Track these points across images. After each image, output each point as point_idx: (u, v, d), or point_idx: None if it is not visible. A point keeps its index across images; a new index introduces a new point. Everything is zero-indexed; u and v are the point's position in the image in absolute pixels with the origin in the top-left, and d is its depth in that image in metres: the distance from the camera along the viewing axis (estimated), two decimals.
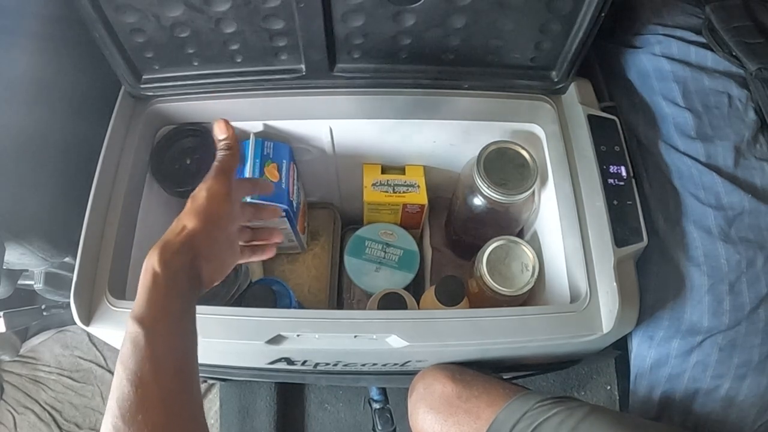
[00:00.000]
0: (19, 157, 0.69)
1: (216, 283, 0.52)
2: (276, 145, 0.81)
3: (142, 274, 0.46)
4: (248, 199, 0.75)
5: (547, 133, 0.77)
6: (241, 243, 0.58)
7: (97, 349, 1.23)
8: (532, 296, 0.79)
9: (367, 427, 1.09)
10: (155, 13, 0.63)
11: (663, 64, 0.75)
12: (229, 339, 0.63)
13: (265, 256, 0.61)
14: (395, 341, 0.63)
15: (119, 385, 0.42)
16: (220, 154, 0.53)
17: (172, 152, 0.77)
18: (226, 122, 0.54)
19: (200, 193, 0.51)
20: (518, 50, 0.70)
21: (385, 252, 0.93)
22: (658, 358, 0.70)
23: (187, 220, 0.49)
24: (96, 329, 0.63)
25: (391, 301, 0.78)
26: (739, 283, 0.66)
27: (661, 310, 0.70)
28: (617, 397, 1.09)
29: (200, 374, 0.99)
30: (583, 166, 0.71)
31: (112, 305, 0.63)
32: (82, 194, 0.68)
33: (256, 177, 0.77)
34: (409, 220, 0.95)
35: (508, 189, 0.73)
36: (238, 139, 0.80)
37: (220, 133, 0.54)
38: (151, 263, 0.46)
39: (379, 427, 1.03)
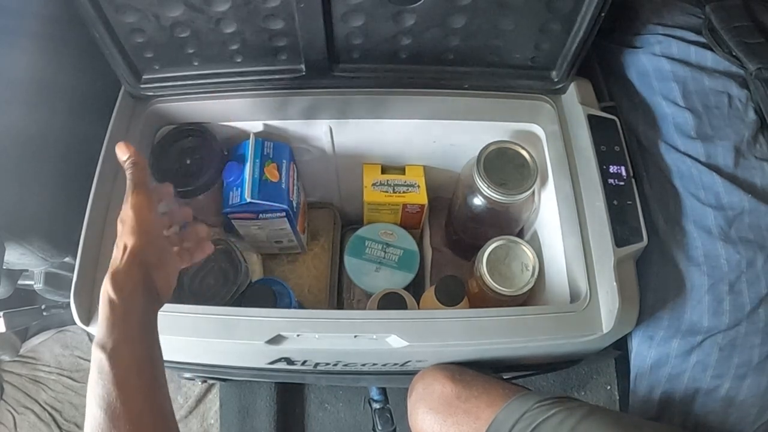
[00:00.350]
0: (19, 157, 0.69)
1: (170, 293, 0.53)
2: (276, 145, 0.81)
3: (100, 302, 0.48)
4: (249, 199, 0.75)
5: (547, 133, 0.77)
6: (175, 249, 0.59)
7: None
8: (532, 296, 0.79)
9: (367, 427, 1.09)
10: (155, 13, 0.63)
11: (663, 64, 0.75)
12: (229, 339, 0.63)
13: (203, 254, 0.61)
14: (395, 341, 0.63)
15: (90, 412, 0.45)
16: (128, 172, 0.54)
17: (172, 152, 0.77)
18: (126, 144, 0.55)
19: (126, 212, 0.52)
20: (518, 50, 0.70)
21: (385, 252, 0.93)
22: (658, 358, 0.70)
23: (125, 240, 0.51)
24: (96, 329, 0.63)
25: (391, 301, 0.78)
26: (739, 283, 0.66)
27: (661, 310, 0.70)
28: (617, 397, 1.09)
29: (200, 374, 1.00)
30: (583, 166, 0.71)
31: None
32: (82, 194, 0.68)
33: (257, 177, 0.77)
34: (409, 220, 0.95)
35: (508, 189, 0.73)
36: (238, 139, 0.81)
37: (122, 155, 0.55)
38: (105, 291, 0.48)
39: (379, 427, 1.03)
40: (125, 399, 0.44)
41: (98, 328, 0.47)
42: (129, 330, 0.47)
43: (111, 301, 0.47)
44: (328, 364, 0.76)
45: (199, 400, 1.18)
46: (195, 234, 0.61)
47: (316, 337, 0.63)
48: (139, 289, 0.49)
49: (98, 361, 0.45)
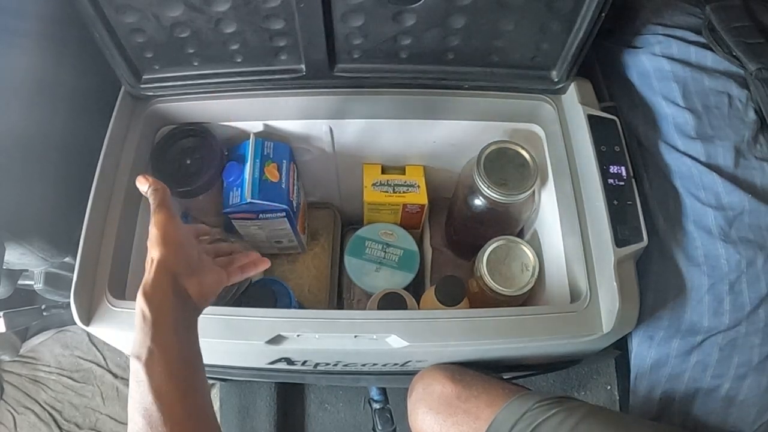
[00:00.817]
0: (19, 158, 0.69)
1: (206, 300, 0.55)
2: (276, 145, 0.81)
3: (135, 315, 0.49)
4: (249, 199, 0.75)
5: (547, 133, 0.77)
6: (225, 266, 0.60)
7: (97, 349, 1.23)
8: (532, 296, 0.79)
9: (367, 427, 1.09)
10: (155, 13, 0.63)
11: (663, 64, 0.75)
12: (229, 339, 0.63)
13: (254, 271, 0.62)
14: (395, 341, 0.63)
15: (131, 417, 0.46)
16: (150, 199, 0.56)
17: (172, 152, 0.77)
18: (144, 176, 0.57)
19: (151, 230, 0.53)
20: (518, 50, 0.70)
21: (385, 252, 0.93)
22: (658, 358, 0.70)
23: (152, 253, 0.52)
24: (96, 329, 0.63)
25: (391, 301, 0.78)
26: (739, 283, 0.66)
27: (661, 310, 0.70)
28: (617, 397, 1.08)
29: None
30: (583, 166, 0.71)
31: (112, 305, 0.63)
32: (82, 194, 0.68)
33: (257, 177, 0.77)
34: (409, 220, 0.95)
35: (508, 189, 0.73)
36: (238, 139, 0.81)
37: (142, 187, 0.57)
38: (138, 304, 0.49)
39: (379, 427, 1.03)
40: (161, 405, 0.45)
41: (133, 338, 0.48)
42: (161, 338, 0.48)
43: (142, 312, 0.48)
44: (328, 364, 0.76)
45: None
46: (245, 258, 0.62)
47: (316, 337, 0.63)
48: (168, 299, 0.50)
49: (134, 370, 0.47)
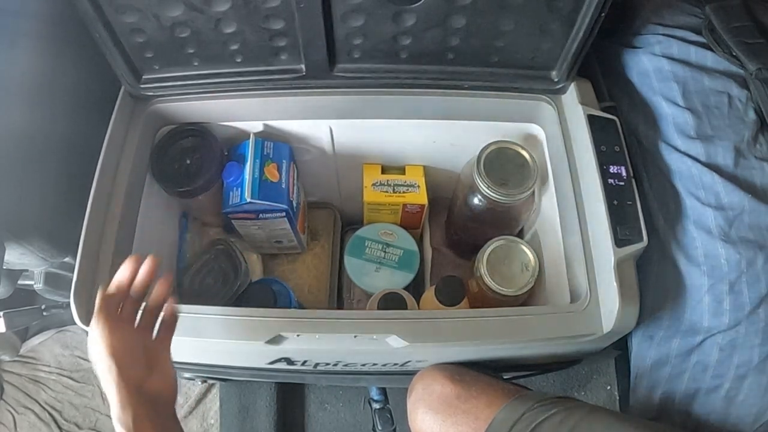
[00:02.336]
0: (19, 158, 0.69)
1: (173, 385, 0.55)
2: (276, 145, 0.81)
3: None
4: (249, 199, 0.75)
5: (547, 133, 0.77)
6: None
7: None
8: (532, 296, 0.79)
9: (367, 427, 1.09)
10: (155, 13, 0.63)
11: (663, 64, 0.75)
12: (229, 339, 0.63)
13: (172, 330, 0.59)
14: (395, 341, 0.63)
15: None
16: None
17: (172, 152, 0.77)
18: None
19: (91, 353, 0.53)
20: (518, 50, 0.70)
21: (385, 252, 0.93)
22: (658, 358, 0.70)
23: (103, 383, 0.52)
24: None
25: (391, 301, 0.78)
26: (739, 283, 0.66)
27: (661, 310, 0.70)
28: (617, 397, 1.08)
29: (200, 374, 0.99)
30: (583, 166, 0.71)
31: None
32: (82, 194, 0.68)
33: (256, 177, 0.77)
34: (409, 220, 0.95)
35: (508, 189, 0.73)
36: (238, 139, 0.81)
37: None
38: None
39: (379, 427, 1.03)
40: None
41: None
42: None
43: None
44: (328, 364, 0.76)
45: (199, 400, 1.18)
46: (157, 299, 0.58)
47: (316, 337, 0.63)
48: (142, 413, 0.50)
49: None
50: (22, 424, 1.17)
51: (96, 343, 0.52)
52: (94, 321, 0.53)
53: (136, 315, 0.56)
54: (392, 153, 0.89)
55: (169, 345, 0.58)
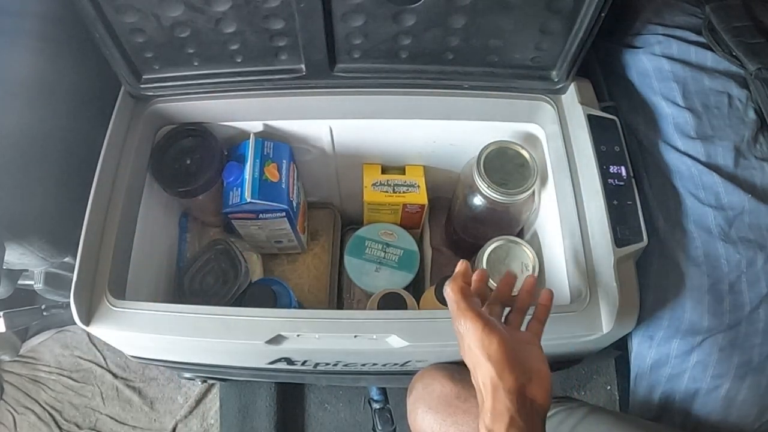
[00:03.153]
0: (19, 158, 0.69)
1: (549, 393, 0.49)
2: (276, 145, 0.81)
3: None
4: (249, 199, 0.75)
5: (547, 133, 0.77)
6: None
7: (97, 349, 1.23)
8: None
9: (367, 427, 1.09)
10: (155, 13, 0.63)
11: (663, 64, 0.75)
12: (229, 339, 0.63)
13: (546, 311, 0.57)
14: (395, 341, 0.63)
15: None
16: (453, 302, 0.51)
17: (172, 152, 0.77)
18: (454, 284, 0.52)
19: (477, 352, 0.48)
20: (518, 50, 0.70)
21: (385, 252, 0.93)
22: (658, 358, 0.70)
23: (482, 393, 0.48)
24: (96, 329, 0.63)
25: (391, 301, 0.78)
26: (739, 283, 0.66)
27: (661, 310, 0.69)
28: (617, 397, 1.09)
29: (200, 374, 0.99)
30: (583, 166, 0.71)
31: (112, 305, 0.63)
32: (82, 194, 0.68)
33: (257, 177, 0.77)
34: (409, 220, 0.95)
35: (508, 189, 0.73)
36: (238, 139, 0.81)
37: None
38: None
39: (379, 427, 1.03)
40: None
41: None
42: None
43: None
44: (328, 364, 0.76)
45: (199, 400, 1.18)
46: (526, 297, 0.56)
47: (316, 337, 0.63)
48: (517, 425, 0.45)
49: None
50: (22, 424, 1.17)
51: (479, 347, 0.47)
52: (471, 323, 0.48)
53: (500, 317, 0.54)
54: (392, 153, 0.89)
55: (539, 331, 0.54)
